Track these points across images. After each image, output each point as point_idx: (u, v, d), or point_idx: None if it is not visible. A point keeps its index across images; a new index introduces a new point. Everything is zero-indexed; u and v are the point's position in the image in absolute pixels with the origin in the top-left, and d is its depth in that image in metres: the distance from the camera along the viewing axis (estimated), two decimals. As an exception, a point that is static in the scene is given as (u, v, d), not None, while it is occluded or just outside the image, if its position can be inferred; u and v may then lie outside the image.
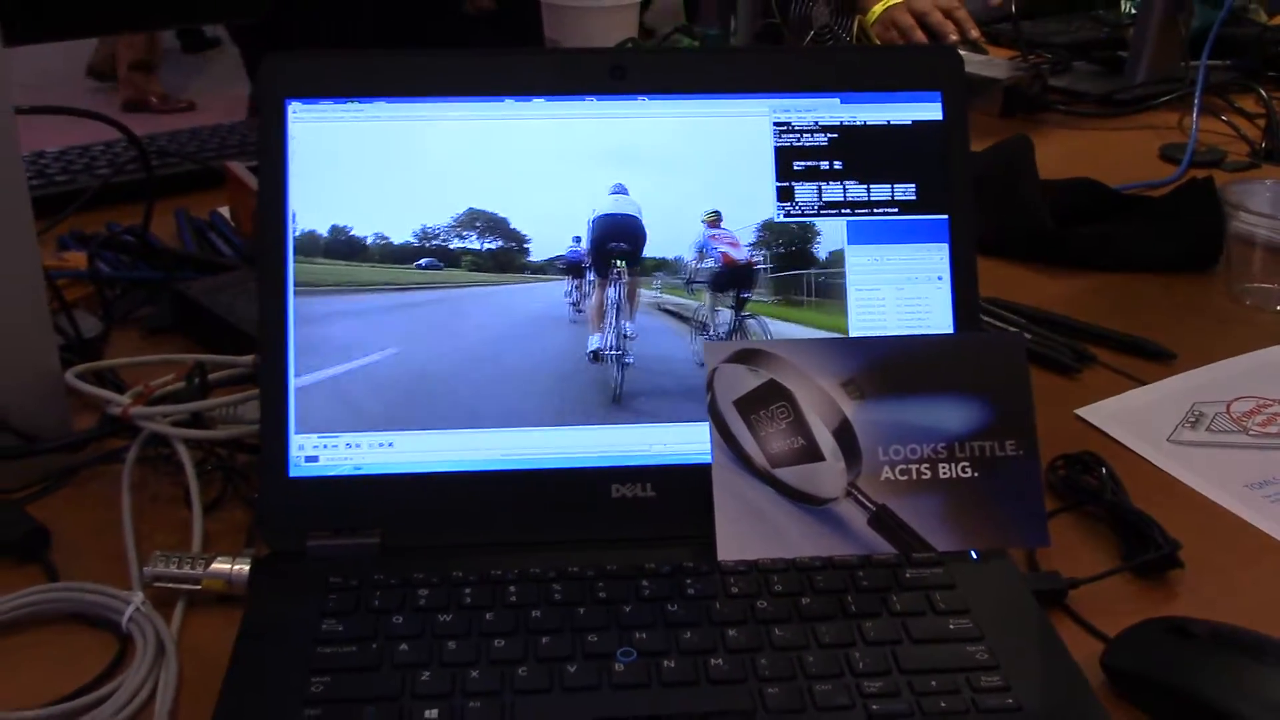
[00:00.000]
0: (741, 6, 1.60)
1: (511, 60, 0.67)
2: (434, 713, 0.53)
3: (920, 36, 1.59)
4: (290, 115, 0.65)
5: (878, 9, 1.64)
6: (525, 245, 0.66)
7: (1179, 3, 1.50)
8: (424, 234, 0.65)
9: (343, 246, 0.65)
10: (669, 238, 0.67)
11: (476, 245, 0.66)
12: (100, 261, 0.95)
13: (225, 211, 1.10)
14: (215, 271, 0.97)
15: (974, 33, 1.65)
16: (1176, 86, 1.48)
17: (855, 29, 1.62)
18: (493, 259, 0.66)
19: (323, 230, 0.65)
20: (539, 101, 0.67)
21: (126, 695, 0.55)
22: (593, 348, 0.66)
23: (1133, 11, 1.72)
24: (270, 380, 0.64)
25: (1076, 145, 1.39)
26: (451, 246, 0.66)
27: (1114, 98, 1.51)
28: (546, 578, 0.61)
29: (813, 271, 0.67)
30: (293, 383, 0.64)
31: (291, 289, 0.64)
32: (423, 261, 0.65)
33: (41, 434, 0.72)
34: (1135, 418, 0.80)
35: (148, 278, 0.94)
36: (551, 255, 0.67)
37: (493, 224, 0.66)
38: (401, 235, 0.65)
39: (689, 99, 0.68)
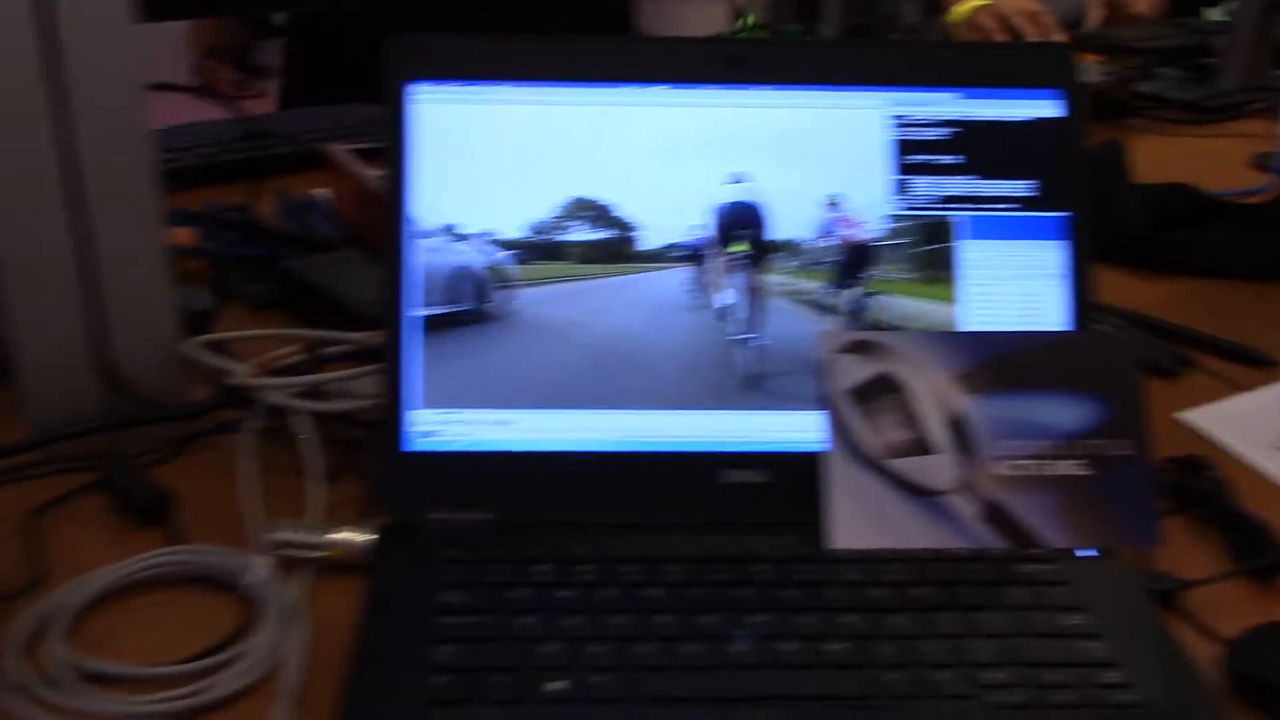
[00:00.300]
0: (828, 4, 1.60)
1: (633, 47, 0.68)
2: (558, 684, 0.54)
3: (1003, 39, 1.58)
4: (410, 97, 0.66)
5: (961, 9, 1.63)
6: (637, 233, 0.67)
7: (1273, 10, 1.49)
8: (535, 221, 0.66)
9: (459, 232, 0.66)
10: (788, 224, 0.68)
11: (588, 233, 0.67)
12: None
13: (324, 193, 1.11)
14: (317, 250, 0.99)
15: (1058, 37, 1.64)
16: (1266, 94, 1.47)
17: (940, 29, 1.62)
18: (604, 248, 0.67)
19: (441, 213, 0.66)
20: (660, 89, 0.67)
21: (256, 657, 0.56)
22: (719, 320, 0.67)
23: (1220, 19, 1.71)
24: (391, 356, 0.65)
25: (1164, 151, 1.38)
26: (563, 235, 0.67)
27: (1202, 104, 1.49)
28: (659, 559, 0.62)
29: (928, 267, 0.68)
30: (413, 361, 0.65)
31: (412, 270, 0.65)
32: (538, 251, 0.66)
33: (161, 402, 0.74)
34: (1238, 423, 0.79)
35: (255, 254, 0.96)
36: (665, 243, 0.68)
37: (603, 211, 0.67)
38: (514, 222, 0.66)
39: (805, 90, 0.68)
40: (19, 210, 0.67)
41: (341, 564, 0.63)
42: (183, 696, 0.54)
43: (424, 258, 0.66)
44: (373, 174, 1.01)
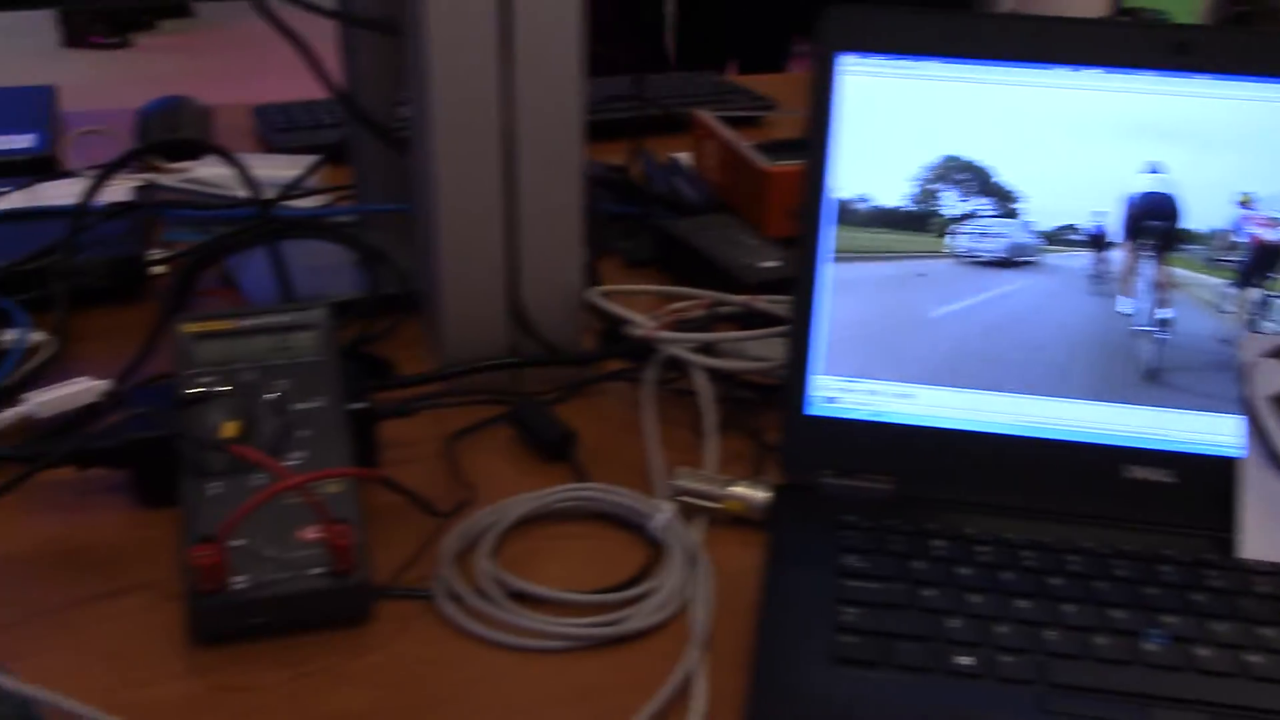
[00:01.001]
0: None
1: (1069, 28, 0.66)
2: (967, 660, 0.54)
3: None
4: (840, 68, 0.67)
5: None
6: (1037, 214, 0.66)
7: None
8: (945, 201, 0.66)
9: (874, 210, 0.66)
10: (1197, 218, 0.65)
11: (990, 212, 0.67)
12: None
13: (684, 156, 1.14)
14: (684, 213, 1.02)
15: None
16: None
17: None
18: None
19: (859, 187, 0.67)
20: (1093, 72, 0.66)
21: (665, 596, 0.59)
22: (1124, 310, 0.65)
23: None
24: (799, 322, 0.66)
25: None
26: (961, 214, 0.66)
27: None
28: (1059, 547, 0.61)
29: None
30: (820, 326, 0.66)
31: (829, 238, 0.66)
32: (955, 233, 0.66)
33: (561, 346, 0.78)
34: None
35: (631, 213, 1.00)
36: (1061, 224, 0.66)
37: (1007, 193, 0.66)
38: (928, 200, 0.66)
39: (1252, 81, 0.65)
40: (463, 161, 0.72)
41: (738, 518, 0.65)
42: (600, 625, 0.57)
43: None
44: (743, 141, 1.03)
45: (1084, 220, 0.66)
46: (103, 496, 0.67)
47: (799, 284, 0.67)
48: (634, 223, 1.00)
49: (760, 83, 1.43)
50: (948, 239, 0.67)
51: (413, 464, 0.70)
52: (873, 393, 0.66)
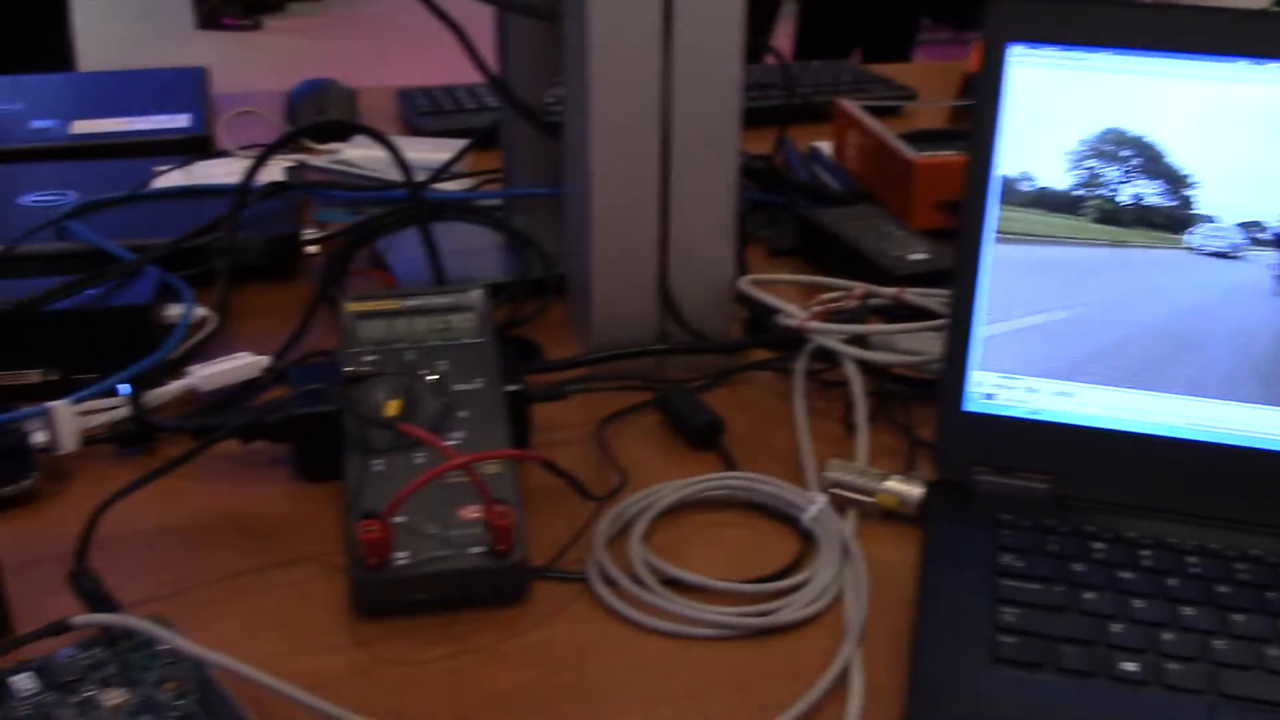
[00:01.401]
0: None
1: (1255, 21, 0.64)
2: (1132, 666, 0.53)
3: None
4: (1011, 59, 0.66)
5: None
6: (1210, 211, 0.64)
7: None
8: (1108, 179, 0.65)
9: (1045, 197, 0.65)
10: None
11: (1159, 202, 0.65)
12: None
13: (824, 145, 1.14)
14: (826, 202, 1.01)
15: None
16: None
17: None
18: (1164, 214, 0.64)
19: (1026, 178, 0.65)
20: (1275, 65, 0.64)
21: (819, 588, 0.59)
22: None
23: None
24: (959, 317, 0.65)
25: None
26: (1128, 201, 0.65)
27: None
28: (1227, 554, 0.59)
29: None
30: (980, 323, 0.65)
31: (991, 232, 0.65)
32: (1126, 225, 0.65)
33: (708, 334, 0.78)
34: None
35: (774, 201, 0.99)
36: (1245, 221, 0.64)
37: (1178, 183, 0.64)
38: (1094, 186, 0.65)
39: None
40: (620, 146, 0.72)
41: (890, 512, 0.65)
42: (754, 614, 0.57)
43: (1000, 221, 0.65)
44: (889, 131, 1.02)
45: (1272, 219, 0.64)
46: (264, 470, 0.68)
47: (959, 278, 0.66)
48: (777, 211, 0.99)
49: (888, 72, 1.41)
50: (1117, 229, 0.65)
51: (563, 447, 0.70)
52: (1031, 390, 0.65)
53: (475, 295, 0.68)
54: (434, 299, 0.68)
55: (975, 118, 0.66)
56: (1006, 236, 0.65)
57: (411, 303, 0.67)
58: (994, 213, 0.65)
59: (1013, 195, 0.65)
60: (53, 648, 0.51)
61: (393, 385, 0.63)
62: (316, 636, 0.56)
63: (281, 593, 0.59)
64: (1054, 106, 0.65)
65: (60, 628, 0.49)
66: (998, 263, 0.65)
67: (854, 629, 0.56)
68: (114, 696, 0.49)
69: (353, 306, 0.67)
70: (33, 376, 0.73)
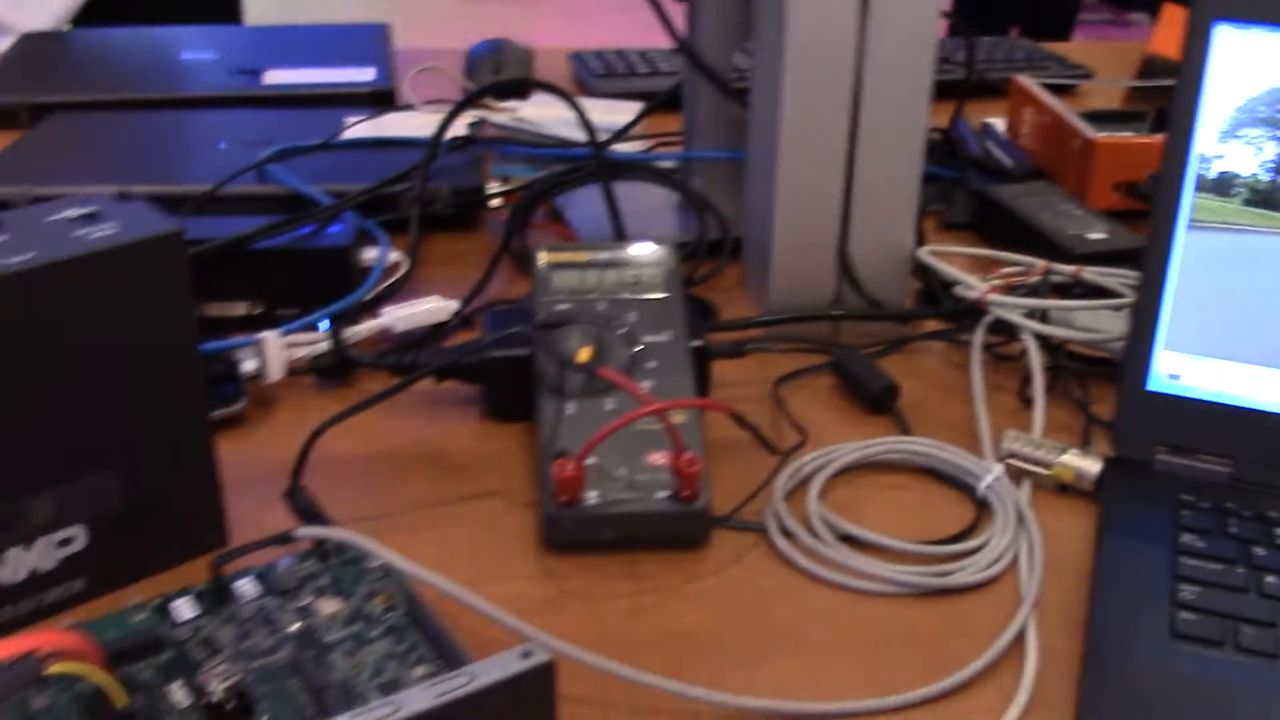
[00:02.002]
0: None
1: None
2: (1316, 650, 0.53)
3: None
4: (1215, 37, 0.65)
5: None
6: None
7: None
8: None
9: (1240, 184, 0.64)
10: None
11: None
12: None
13: (996, 122, 1.13)
14: (1000, 178, 1.01)
15: None
16: None
17: None
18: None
19: (1221, 160, 0.65)
20: None
21: (994, 554, 0.60)
22: None
23: None
24: (1147, 296, 0.65)
25: None
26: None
27: None
28: None
29: None
30: (1168, 301, 0.65)
31: (1185, 215, 0.65)
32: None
33: (883, 302, 0.79)
34: None
35: (949, 175, 0.99)
36: None
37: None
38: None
39: None
40: (810, 112, 0.74)
41: (1064, 486, 0.65)
42: (931, 575, 0.59)
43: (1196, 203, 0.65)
44: (1068, 109, 1.01)
45: None
46: (454, 408, 0.72)
47: (1151, 254, 0.66)
48: (951, 186, 0.99)
49: (1054, 50, 1.39)
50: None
51: (740, 404, 0.72)
52: (1218, 373, 0.65)
53: (663, 252, 0.70)
54: (624, 253, 0.70)
55: (1175, 98, 0.66)
56: (1200, 222, 0.65)
57: (603, 256, 0.70)
58: (1189, 196, 0.65)
59: (1208, 179, 0.65)
60: (271, 558, 0.55)
61: (585, 333, 0.66)
62: (506, 566, 0.59)
63: (472, 524, 0.62)
64: (1258, 90, 0.64)
65: (285, 538, 0.53)
66: (1189, 244, 0.65)
67: (1030, 593, 0.57)
68: (329, 606, 0.53)
69: (547, 257, 0.69)
70: (240, 309, 0.78)
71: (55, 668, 0.43)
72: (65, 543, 0.54)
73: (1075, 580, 0.59)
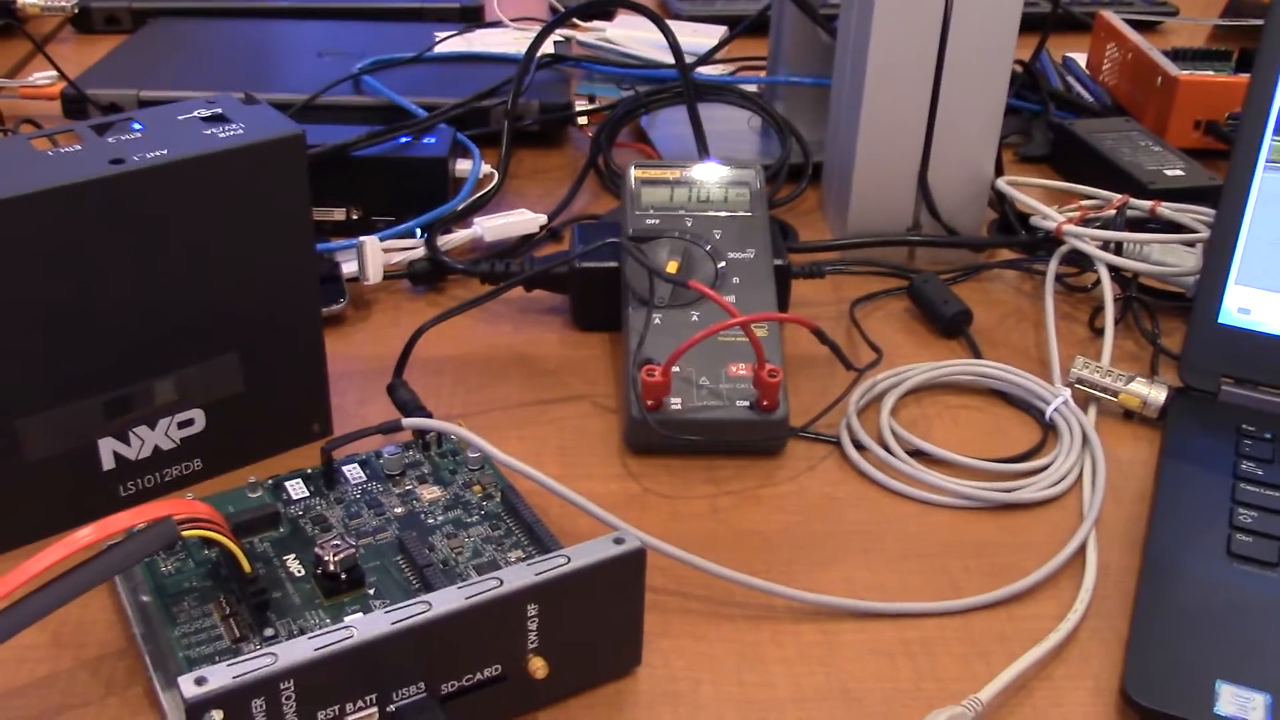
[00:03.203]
0: None
1: None
2: (1368, 575, 0.55)
3: None
4: (1305, -22, 0.66)
5: None
6: None
7: None
8: None
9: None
10: None
11: None
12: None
13: (1077, 57, 1.13)
14: (1079, 112, 1.02)
15: None
16: None
17: None
18: None
19: (1306, 96, 0.66)
20: None
21: (1059, 473, 0.62)
22: None
23: None
24: (1226, 226, 0.67)
25: None
26: None
27: None
28: None
29: None
30: (1243, 238, 0.67)
31: (1265, 153, 0.66)
32: None
33: (960, 230, 0.81)
34: None
35: (1028, 108, 1.00)
36: None
37: None
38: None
39: None
40: (899, 39, 0.75)
41: (1130, 413, 0.67)
42: (997, 490, 0.61)
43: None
44: (1152, 46, 1.02)
45: None
46: (542, 316, 0.75)
47: (1229, 192, 0.67)
48: (1030, 118, 1.00)
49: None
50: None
51: (819, 322, 0.75)
52: (1287, 309, 0.67)
53: (750, 172, 0.73)
54: (711, 172, 0.72)
55: (1263, 38, 0.67)
56: (1277, 163, 0.66)
57: (692, 173, 0.72)
58: (1269, 137, 0.66)
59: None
60: (376, 446, 0.59)
61: (673, 247, 0.68)
62: (595, 465, 0.63)
63: (560, 425, 0.66)
64: (1347, 29, 0.65)
65: (392, 426, 0.56)
66: (1266, 183, 0.66)
67: (1092, 511, 0.60)
68: (429, 492, 0.56)
69: (639, 173, 0.72)
70: (338, 214, 0.81)
71: (190, 532, 0.47)
72: (185, 424, 0.58)
73: (1136, 503, 0.62)
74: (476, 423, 0.65)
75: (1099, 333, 0.74)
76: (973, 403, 0.69)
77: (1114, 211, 0.77)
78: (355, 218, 0.81)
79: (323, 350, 0.61)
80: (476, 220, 0.80)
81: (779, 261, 0.71)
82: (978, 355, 0.72)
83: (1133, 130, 0.94)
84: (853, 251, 0.81)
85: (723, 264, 0.68)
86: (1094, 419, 0.67)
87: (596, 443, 0.64)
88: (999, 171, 0.83)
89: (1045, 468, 0.63)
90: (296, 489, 0.56)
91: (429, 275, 0.76)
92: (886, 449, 0.64)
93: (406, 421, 0.56)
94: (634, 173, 0.72)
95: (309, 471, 0.57)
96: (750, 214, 0.71)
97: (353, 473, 0.57)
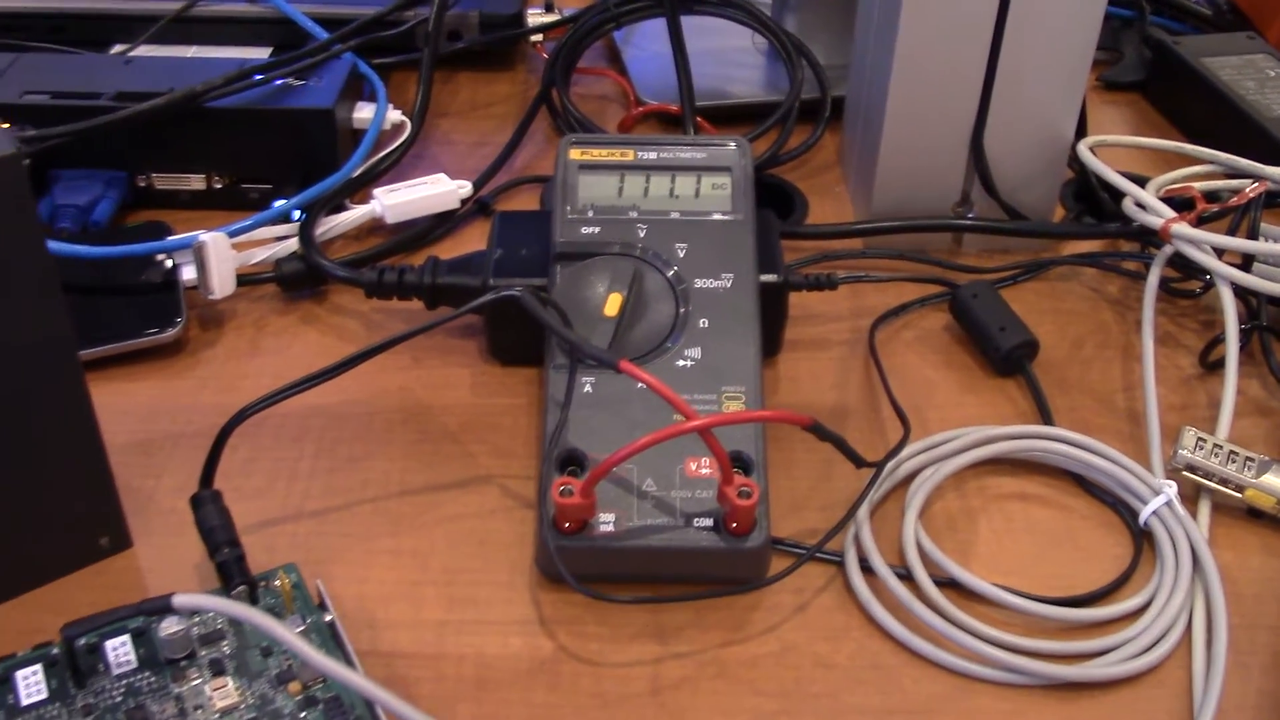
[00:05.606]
0: None
1: None
2: None
3: None
4: None
5: None
6: None
7: None
8: None
9: None
10: None
11: None
12: None
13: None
14: (1189, 23, 0.79)
15: None
16: None
17: None
18: None
19: None
20: None
21: (1155, 630, 0.43)
22: None
23: None
24: None
25: None
26: None
27: None
28: None
29: None
30: None
31: None
32: None
33: (1025, 209, 0.60)
34: None
35: (1121, 15, 0.78)
36: None
37: None
38: None
39: None
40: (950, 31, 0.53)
41: (1253, 509, 0.48)
42: (1061, 656, 0.42)
43: None
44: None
45: None
46: (453, 339, 0.56)
47: None
48: (1121, 28, 0.77)
49: None
50: None
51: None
52: None
53: (734, 152, 0.52)
54: (681, 152, 0.52)
55: None
56: None
57: (651, 155, 0.52)
58: None
59: None
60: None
61: (616, 270, 0.49)
62: (491, 604, 0.44)
63: (455, 529, 0.47)
64: None
65: (159, 606, 0.38)
66: None
67: (1211, 694, 0.41)
68: (224, 694, 0.38)
69: (576, 154, 0.52)
70: (195, 182, 0.62)
71: None
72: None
73: (1271, 654, 0.43)
74: (335, 528, 0.47)
75: (1213, 368, 0.54)
76: (1033, 488, 0.50)
77: (1246, 203, 0.55)
78: (219, 186, 0.62)
79: (97, 435, 0.42)
80: (376, 193, 0.60)
81: (771, 277, 0.51)
82: (1044, 411, 0.52)
83: (1259, 52, 0.71)
84: (879, 239, 0.60)
85: (687, 304, 0.48)
86: (1207, 521, 0.48)
87: (501, 561, 0.46)
88: (1081, 131, 0.61)
89: (1137, 612, 0.44)
90: (31, 684, 0.38)
91: (303, 278, 0.57)
92: (907, 577, 0.45)
93: (178, 601, 0.38)
94: (569, 154, 0.52)
95: (54, 652, 0.39)
96: (730, 216, 0.51)
97: (119, 654, 0.39)
